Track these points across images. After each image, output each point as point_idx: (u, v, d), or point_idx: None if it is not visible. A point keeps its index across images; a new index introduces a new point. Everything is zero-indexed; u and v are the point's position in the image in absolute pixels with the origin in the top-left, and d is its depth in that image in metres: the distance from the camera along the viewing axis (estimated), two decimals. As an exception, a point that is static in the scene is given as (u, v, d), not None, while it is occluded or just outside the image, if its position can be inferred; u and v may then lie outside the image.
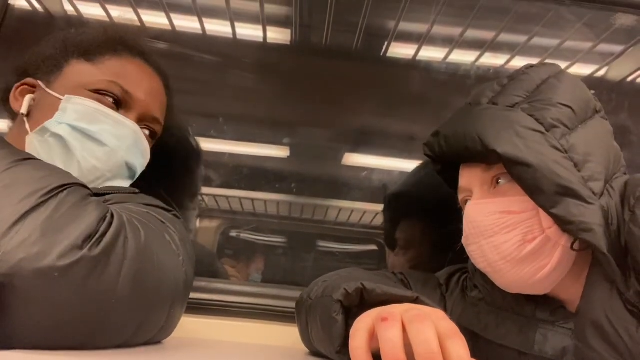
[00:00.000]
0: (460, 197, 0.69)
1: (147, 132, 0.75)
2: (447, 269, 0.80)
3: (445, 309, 0.73)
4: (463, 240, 0.65)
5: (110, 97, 0.70)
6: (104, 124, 0.67)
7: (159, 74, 0.79)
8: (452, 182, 0.72)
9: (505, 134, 0.58)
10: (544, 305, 0.62)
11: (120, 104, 0.71)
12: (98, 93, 0.69)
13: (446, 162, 0.71)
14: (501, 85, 0.66)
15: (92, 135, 0.65)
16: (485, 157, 0.60)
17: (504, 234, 0.59)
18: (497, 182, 0.63)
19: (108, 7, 1.05)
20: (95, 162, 0.65)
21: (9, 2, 1.00)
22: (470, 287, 0.73)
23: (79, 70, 0.71)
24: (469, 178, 0.66)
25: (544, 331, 0.61)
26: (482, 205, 0.62)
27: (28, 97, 0.69)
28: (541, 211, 0.57)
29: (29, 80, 0.71)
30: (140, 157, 0.73)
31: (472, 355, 0.39)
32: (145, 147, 0.73)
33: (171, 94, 0.83)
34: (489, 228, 0.60)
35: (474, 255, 0.64)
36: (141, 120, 0.73)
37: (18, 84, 0.72)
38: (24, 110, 0.68)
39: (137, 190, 0.70)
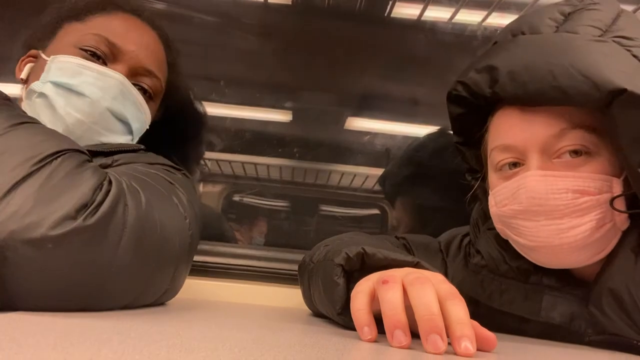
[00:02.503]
0: (501, 157, 0.58)
1: (142, 88, 0.73)
2: (449, 233, 0.80)
3: (446, 274, 0.73)
4: (505, 211, 0.58)
5: (97, 52, 0.69)
6: (86, 77, 0.66)
7: (155, 29, 0.77)
8: (466, 135, 0.66)
9: (622, 68, 0.48)
10: (550, 272, 0.61)
11: (107, 57, 0.70)
12: (84, 49, 0.68)
13: (476, 108, 0.61)
14: (564, 15, 0.57)
15: (73, 88, 0.65)
16: (573, 100, 0.50)
17: (574, 218, 0.52)
18: (572, 154, 0.53)
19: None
20: (79, 115, 0.64)
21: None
22: (473, 253, 0.73)
23: (68, 31, 0.71)
24: (527, 138, 0.55)
25: (550, 298, 0.60)
26: (551, 179, 0.53)
27: (28, 65, 0.70)
28: (615, 194, 0.52)
29: (32, 51, 0.72)
30: (133, 109, 0.71)
31: (472, 319, 0.39)
32: (138, 100, 0.71)
33: (172, 52, 0.81)
34: (558, 209, 0.52)
35: (523, 231, 0.57)
36: (134, 75, 0.72)
37: (23, 57, 0.73)
38: (23, 75, 0.69)
39: (142, 147, 0.70)
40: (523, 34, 0.57)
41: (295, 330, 0.48)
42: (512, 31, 0.59)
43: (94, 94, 0.65)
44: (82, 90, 0.65)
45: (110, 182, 0.48)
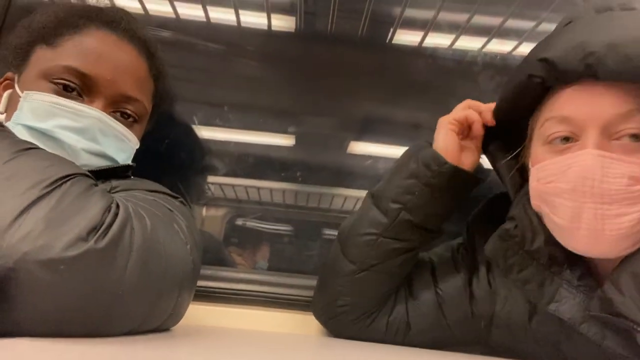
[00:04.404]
0: (555, 129, 0.56)
1: (125, 117, 0.70)
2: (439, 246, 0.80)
3: (434, 274, 0.74)
4: (549, 188, 0.56)
5: (70, 85, 0.64)
6: (61, 118, 0.62)
7: (133, 41, 0.71)
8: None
9: None
10: (574, 267, 0.59)
11: (82, 90, 0.65)
12: (57, 82, 0.64)
13: (552, 83, 0.58)
14: None
15: (48, 133, 0.61)
16: None
17: (624, 205, 0.50)
18: (632, 138, 0.51)
19: (112, -5, 1.04)
20: None
21: (13, -9, 0.99)
22: (467, 255, 0.73)
23: (40, 58, 0.66)
24: (589, 113, 0.53)
25: (566, 292, 0.58)
26: (609, 162, 0.51)
27: (6, 94, 0.66)
28: None
29: (9, 74, 0.68)
30: (116, 142, 0.68)
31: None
32: (120, 131, 0.68)
33: (156, 60, 0.76)
34: (609, 193, 0.50)
35: (563, 211, 0.54)
36: (113, 103, 0.67)
37: (1, 79, 0.69)
38: (1, 108, 0.65)
39: (132, 164, 0.69)
40: (611, 10, 0.55)
41: (300, 357, 0.47)
42: (596, 8, 0.56)
43: (70, 139, 0.62)
44: (56, 136, 0.61)
45: (117, 206, 0.49)
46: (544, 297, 0.59)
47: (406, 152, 0.74)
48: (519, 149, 0.66)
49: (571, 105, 0.55)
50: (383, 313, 0.72)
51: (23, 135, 0.61)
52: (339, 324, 0.74)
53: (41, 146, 0.59)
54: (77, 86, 0.65)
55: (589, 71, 0.52)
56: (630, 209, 0.50)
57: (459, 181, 0.68)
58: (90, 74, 0.65)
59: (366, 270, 0.70)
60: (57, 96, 0.63)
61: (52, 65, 0.64)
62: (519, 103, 0.63)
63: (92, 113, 0.64)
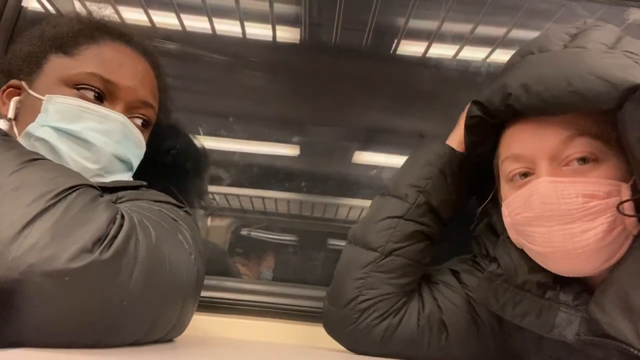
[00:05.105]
0: (512, 167, 0.60)
1: (139, 121, 0.72)
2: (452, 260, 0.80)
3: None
4: (519, 219, 0.59)
5: (92, 90, 0.66)
6: (88, 121, 0.64)
7: (144, 54, 0.75)
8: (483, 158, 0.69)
9: (634, 72, 0.50)
10: (567, 288, 0.59)
11: (104, 95, 0.68)
12: (79, 88, 0.66)
13: (491, 125, 0.63)
14: (570, 35, 0.60)
15: (77, 135, 0.63)
16: (590, 102, 0.51)
17: (586, 222, 0.53)
18: (580, 161, 0.55)
19: (119, 8, 1.05)
20: (85, 162, 0.64)
21: (22, 4, 1.01)
22: (483, 260, 0.73)
23: (57, 66, 0.68)
24: (535, 147, 0.57)
25: (565, 315, 0.58)
26: (561, 185, 0.54)
27: (14, 100, 0.67)
28: (624, 199, 0.53)
29: (13, 81, 0.69)
30: (134, 148, 0.71)
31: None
32: (138, 137, 0.71)
33: (161, 73, 0.80)
34: (569, 213, 0.53)
35: (536, 238, 0.57)
36: (131, 108, 0.70)
37: (4, 87, 0.70)
38: (10, 115, 0.66)
39: (144, 183, 0.70)
40: (532, 53, 0.60)
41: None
42: (521, 54, 0.62)
43: (99, 141, 0.64)
44: (86, 137, 0.63)
45: (122, 217, 0.49)
46: (545, 326, 0.58)
47: (417, 150, 0.79)
48: (492, 192, 0.70)
49: (520, 143, 0.59)
50: (412, 309, 0.70)
51: (51, 136, 0.62)
52: (361, 331, 0.68)
53: (68, 147, 0.62)
54: (100, 92, 0.67)
55: (510, 110, 0.58)
56: (592, 224, 0.53)
57: (469, 168, 0.74)
58: (113, 80, 0.68)
59: (390, 256, 0.70)
60: (82, 100, 0.65)
61: (75, 73, 0.66)
62: (475, 140, 0.67)
63: (117, 117, 0.67)
